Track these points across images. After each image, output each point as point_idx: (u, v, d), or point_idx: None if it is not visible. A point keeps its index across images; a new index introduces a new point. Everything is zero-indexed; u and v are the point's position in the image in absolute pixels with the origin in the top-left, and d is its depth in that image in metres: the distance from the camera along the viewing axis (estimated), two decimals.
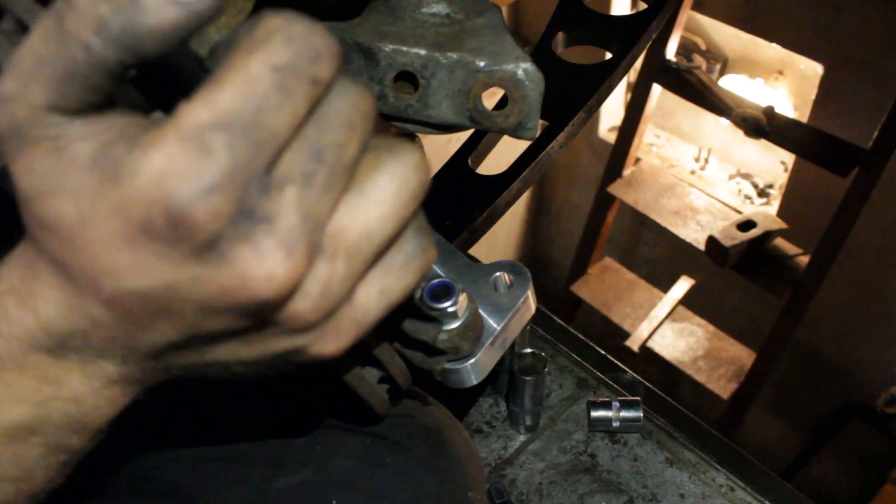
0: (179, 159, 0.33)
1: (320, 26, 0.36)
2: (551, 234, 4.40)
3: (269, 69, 0.34)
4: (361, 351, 0.56)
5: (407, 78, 0.76)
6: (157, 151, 0.33)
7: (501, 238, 4.24)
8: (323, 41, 0.36)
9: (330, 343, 0.42)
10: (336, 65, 0.37)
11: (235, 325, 0.40)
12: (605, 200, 3.30)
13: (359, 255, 0.39)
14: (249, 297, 0.36)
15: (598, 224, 3.38)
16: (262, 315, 0.39)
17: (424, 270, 0.44)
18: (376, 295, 0.42)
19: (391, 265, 0.42)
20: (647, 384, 1.46)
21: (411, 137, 1.10)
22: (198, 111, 0.34)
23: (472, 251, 0.95)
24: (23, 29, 0.40)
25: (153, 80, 0.38)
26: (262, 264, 0.35)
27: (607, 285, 3.52)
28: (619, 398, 1.34)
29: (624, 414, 1.30)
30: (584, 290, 3.49)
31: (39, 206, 0.36)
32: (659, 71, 2.87)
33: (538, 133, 0.77)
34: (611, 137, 3.49)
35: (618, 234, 3.83)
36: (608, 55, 1.04)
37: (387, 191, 0.39)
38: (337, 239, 0.38)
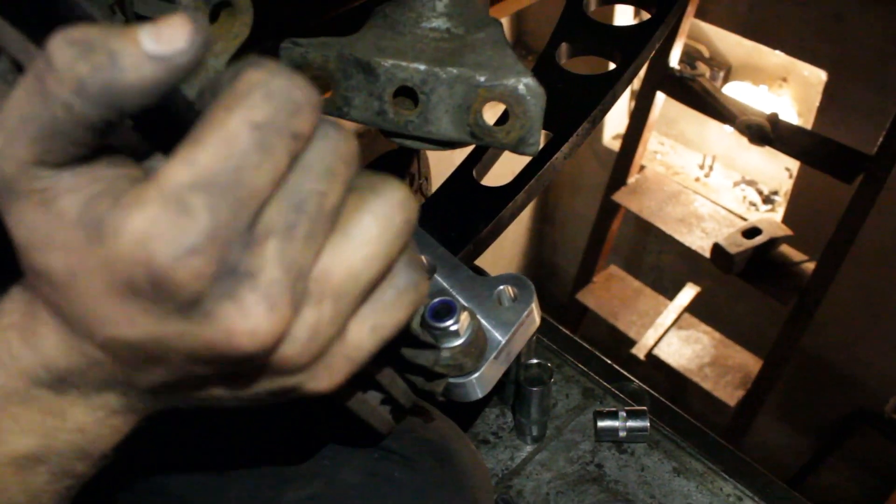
0: (160, 221, 0.33)
1: (300, 78, 0.36)
2: (556, 242, 4.40)
3: (248, 126, 0.34)
4: (360, 378, 0.56)
5: (407, 93, 0.76)
6: (139, 212, 0.34)
7: (507, 246, 4.24)
8: (302, 94, 0.36)
9: (323, 380, 0.43)
10: (316, 117, 0.37)
11: (225, 371, 0.40)
12: (610, 208, 3.30)
13: (346, 296, 0.39)
14: (234, 351, 0.37)
15: (603, 232, 3.38)
16: (250, 364, 0.39)
17: (416, 305, 0.44)
18: (368, 331, 0.42)
19: (382, 301, 0.42)
20: (654, 393, 1.45)
21: (413, 153, 1.10)
22: (178, 171, 0.34)
23: (478, 259, 0.95)
24: (18, 69, 0.40)
25: (146, 123, 0.38)
26: (245, 320, 0.36)
27: (613, 293, 3.51)
28: (626, 408, 1.33)
29: (631, 424, 1.30)
30: (589, 298, 3.49)
31: (32, 258, 0.37)
32: (662, 79, 2.88)
33: (540, 148, 0.77)
34: (615, 145, 3.50)
35: (623, 242, 3.83)
36: (612, 65, 1.04)
37: (371, 231, 0.39)
38: (323, 282, 0.38)
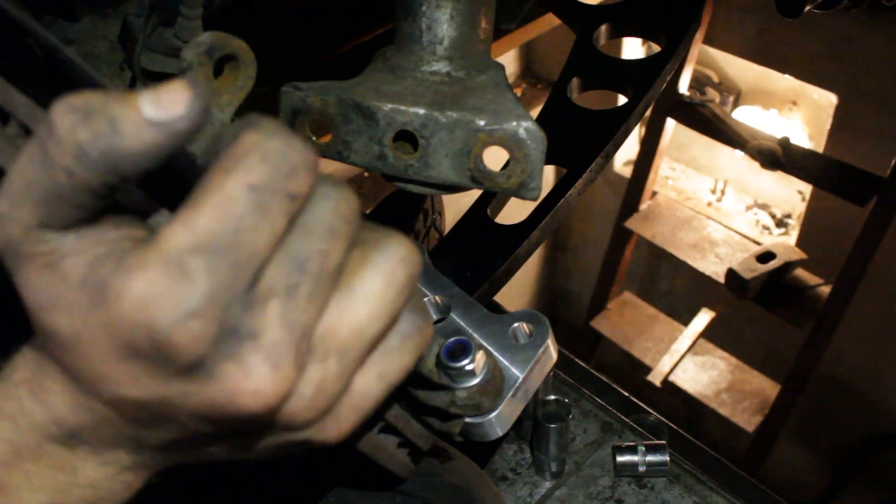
0: (160, 284, 0.34)
1: (297, 139, 0.37)
2: (569, 268, 4.39)
3: (245, 189, 0.35)
4: (373, 422, 0.55)
5: (406, 137, 0.76)
6: (140, 276, 0.34)
7: (519, 273, 4.20)
8: (298, 155, 0.36)
9: (331, 432, 0.43)
10: (313, 176, 0.37)
11: (233, 429, 0.40)
12: (622, 235, 3.30)
13: (351, 352, 0.40)
14: (239, 411, 0.37)
15: (616, 259, 3.38)
16: (256, 422, 0.39)
17: (421, 349, 0.44)
18: (375, 379, 0.42)
19: (387, 348, 0.42)
20: (673, 425, 1.44)
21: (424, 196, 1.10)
22: (178, 234, 0.34)
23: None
24: (27, 133, 0.40)
25: (150, 181, 0.38)
26: (248, 380, 0.36)
27: (627, 320, 3.50)
28: (645, 442, 1.32)
29: (650, 458, 1.28)
30: (604, 325, 3.48)
31: (39, 318, 0.37)
32: (673, 105, 2.88)
33: (541, 192, 0.76)
34: (626, 171, 3.50)
35: (636, 268, 3.82)
36: (623, 98, 1.04)
37: (375, 287, 0.40)
38: (328, 339, 0.39)
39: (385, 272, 0.40)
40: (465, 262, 0.89)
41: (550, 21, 2.08)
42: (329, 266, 0.38)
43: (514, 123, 0.71)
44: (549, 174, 0.78)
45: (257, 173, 0.35)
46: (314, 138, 0.79)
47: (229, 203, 0.34)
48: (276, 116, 0.78)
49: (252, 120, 0.37)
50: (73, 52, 0.40)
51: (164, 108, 0.34)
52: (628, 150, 3.73)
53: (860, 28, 2.61)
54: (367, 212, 1.24)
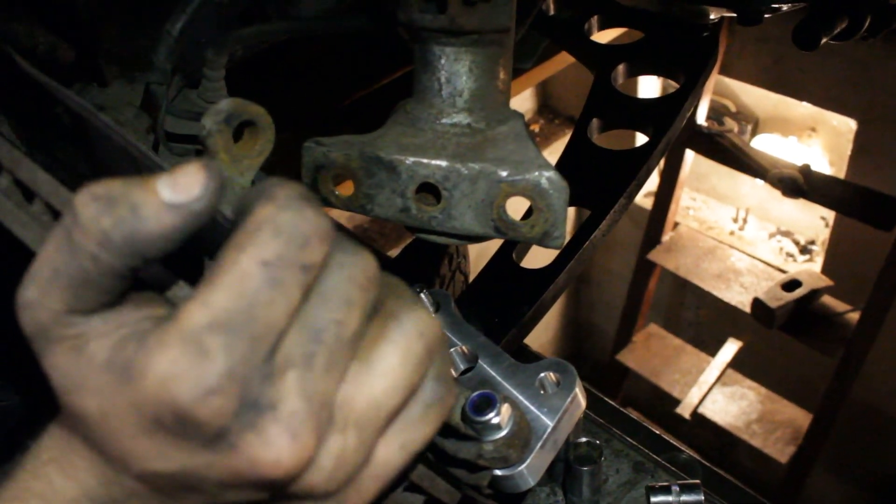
0: (180, 363, 0.35)
1: (309, 209, 0.37)
2: (593, 302, 4.37)
3: (258, 264, 0.36)
4: (397, 484, 0.55)
5: (429, 190, 0.75)
6: (162, 355, 0.35)
7: None
8: (311, 226, 0.37)
9: (353, 501, 0.43)
10: (327, 245, 0.38)
11: (256, 496, 0.41)
12: (646, 268, 3.28)
13: (370, 424, 0.40)
14: (260, 480, 0.38)
15: (640, 291, 3.36)
16: (278, 489, 0.40)
17: (443, 418, 0.44)
18: (396, 449, 0.43)
19: (409, 418, 0.43)
20: (706, 463, 1.42)
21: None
22: (195, 313, 0.35)
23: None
24: (51, 211, 0.41)
25: (168, 255, 0.39)
26: (268, 450, 0.37)
27: (653, 352, 3.47)
28: (679, 482, 1.30)
29: (684, 498, 1.26)
30: (630, 358, 3.45)
31: (67, 400, 0.38)
32: (691, 136, 2.88)
33: (566, 241, 0.76)
34: (647, 203, 3.49)
35: (660, 300, 3.79)
36: (642, 136, 1.04)
37: (392, 362, 0.40)
38: (346, 410, 0.39)
39: (402, 347, 0.40)
40: (493, 309, 0.89)
41: (565, 58, 2.09)
42: (346, 335, 0.38)
43: (537, 174, 0.71)
44: (571, 214, 0.77)
45: (270, 248, 0.36)
46: (337, 192, 0.79)
47: (243, 280, 0.35)
48: (299, 162, 0.79)
49: (265, 189, 0.37)
50: (106, 117, 0.41)
51: (181, 190, 0.35)
52: (649, 182, 3.71)
53: (876, 54, 2.61)
54: (392, 256, 1.24)
